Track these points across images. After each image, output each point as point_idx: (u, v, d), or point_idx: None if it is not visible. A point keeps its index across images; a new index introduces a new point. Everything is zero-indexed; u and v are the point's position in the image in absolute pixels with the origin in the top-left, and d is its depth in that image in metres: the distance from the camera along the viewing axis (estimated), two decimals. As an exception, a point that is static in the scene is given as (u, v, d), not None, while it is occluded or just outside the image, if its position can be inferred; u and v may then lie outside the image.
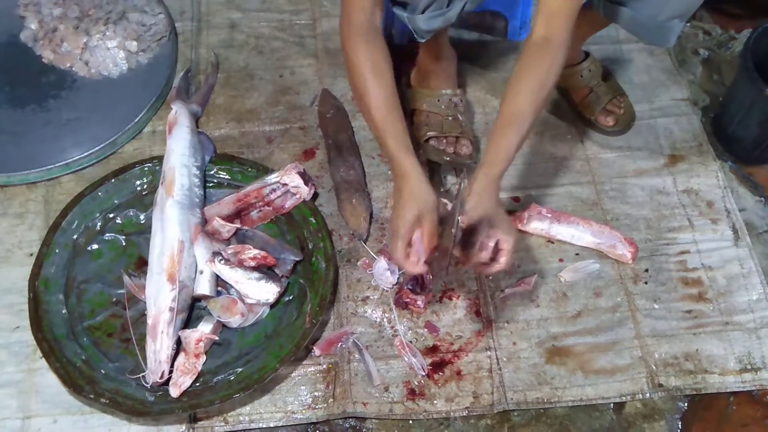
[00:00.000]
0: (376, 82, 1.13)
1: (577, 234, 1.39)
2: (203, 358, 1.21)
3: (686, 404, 1.26)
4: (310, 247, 1.34)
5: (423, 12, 1.18)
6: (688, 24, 1.72)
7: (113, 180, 1.39)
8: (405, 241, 1.09)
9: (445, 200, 1.35)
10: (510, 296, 1.34)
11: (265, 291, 1.26)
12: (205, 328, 1.23)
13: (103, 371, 1.21)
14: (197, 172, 1.38)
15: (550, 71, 1.12)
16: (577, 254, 1.39)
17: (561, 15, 1.11)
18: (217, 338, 1.23)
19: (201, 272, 1.27)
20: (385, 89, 1.14)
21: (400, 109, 1.16)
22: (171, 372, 1.19)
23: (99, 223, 1.36)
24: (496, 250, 1.09)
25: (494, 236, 1.08)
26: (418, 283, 1.32)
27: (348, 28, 1.15)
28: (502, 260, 1.08)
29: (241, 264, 1.28)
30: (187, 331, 1.21)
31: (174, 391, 1.18)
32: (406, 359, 1.26)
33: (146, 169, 1.41)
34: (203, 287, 1.26)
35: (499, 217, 1.10)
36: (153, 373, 1.18)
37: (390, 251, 1.13)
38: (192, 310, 1.29)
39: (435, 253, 1.11)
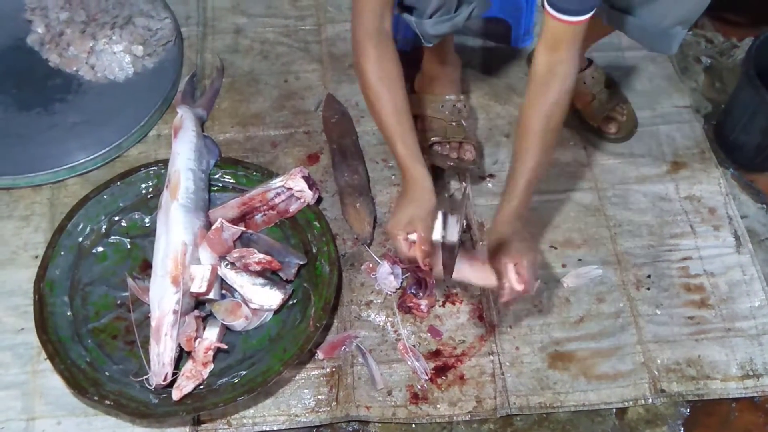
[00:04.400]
0: (387, 89, 1.15)
1: None
2: (211, 366, 1.21)
3: (688, 410, 1.26)
4: (314, 251, 1.34)
5: (431, 17, 1.19)
6: (690, 32, 1.73)
7: (118, 183, 1.39)
8: (399, 239, 1.13)
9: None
10: (513, 301, 1.34)
11: (269, 297, 1.27)
12: (210, 333, 1.24)
13: (107, 373, 1.21)
14: (202, 176, 1.38)
15: (557, 102, 1.12)
16: (579, 260, 1.40)
17: (565, 41, 1.10)
18: (225, 347, 1.23)
19: (205, 275, 1.28)
20: (395, 96, 1.16)
21: (410, 116, 1.18)
22: (175, 374, 1.19)
23: (104, 226, 1.36)
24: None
25: (508, 260, 1.10)
26: (421, 287, 1.32)
27: (358, 33, 1.15)
28: (516, 282, 1.10)
29: (246, 268, 1.28)
30: (197, 340, 1.22)
31: (175, 394, 1.18)
32: (409, 363, 1.27)
33: (151, 172, 1.41)
34: (208, 290, 1.26)
35: (514, 243, 1.11)
36: (156, 376, 1.18)
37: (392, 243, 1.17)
38: (196, 313, 1.29)
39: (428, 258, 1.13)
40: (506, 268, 1.10)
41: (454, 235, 1.06)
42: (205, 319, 1.27)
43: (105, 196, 1.38)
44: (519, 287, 1.10)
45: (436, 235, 1.07)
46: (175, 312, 1.21)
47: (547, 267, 1.39)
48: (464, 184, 1.48)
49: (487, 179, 1.49)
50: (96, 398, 1.17)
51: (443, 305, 1.33)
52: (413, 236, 1.12)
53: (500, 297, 1.13)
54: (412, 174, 1.16)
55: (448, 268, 1.20)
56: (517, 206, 1.14)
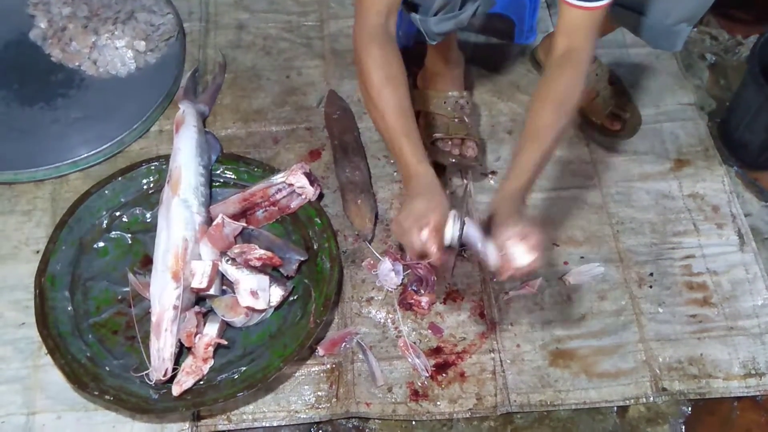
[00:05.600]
0: (392, 90, 1.10)
1: None
2: (211, 362, 1.21)
3: (690, 409, 1.25)
4: (315, 247, 1.34)
5: (435, 15, 1.18)
6: (695, 29, 1.73)
7: (120, 178, 1.39)
8: (413, 233, 1.03)
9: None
10: (514, 298, 1.34)
11: (270, 293, 1.26)
12: (210, 328, 1.23)
13: (107, 368, 1.21)
14: (203, 172, 1.38)
15: (574, 85, 1.11)
16: (582, 257, 1.39)
17: (582, 28, 1.11)
18: (225, 342, 1.23)
19: (206, 271, 1.28)
20: (401, 97, 1.11)
21: (414, 117, 1.13)
22: (175, 369, 1.19)
23: (105, 221, 1.36)
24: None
25: (515, 234, 1.01)
26: (422, 284, 1.32)
27: (361, 33, 1.12)
28: (529, 257, 1.00)
29: (246, 264, 1.28)
30: (198, 335, 1.22)
31: (175, 390, 1.18)
32: (410, 360, 1.27)
33: (153, 167, 1.41)
34: (208, 286, 1.26)
35: (521, 220, 1.04)
36: (156, 371, 1.18)
37: (402, 241, 1.08)
38: (197, 309, 1.29)
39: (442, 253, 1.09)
40: (511, 242, 1.01)
41: (459, 238, 1.04)
42: (206, 315, 1.26)
43: (106, 192, 1.38)
44: (529, 258, 1.00)
45: (448, 236, 1.03)
46: (175, 307, 1.21)
47: (549, 264, 1.38)
48: (466, 181, 1.48)
49: (489, 176, 1.49)
50: (96, 393, 1.17)
51: (444, 302, 1.33)
52: (425, 233, 1.03)
53: (500, 274, 1.02)
54: (419, 171, 1.10)
55: (449, 267, 1.20)
56: (524, 184, 1.08)
